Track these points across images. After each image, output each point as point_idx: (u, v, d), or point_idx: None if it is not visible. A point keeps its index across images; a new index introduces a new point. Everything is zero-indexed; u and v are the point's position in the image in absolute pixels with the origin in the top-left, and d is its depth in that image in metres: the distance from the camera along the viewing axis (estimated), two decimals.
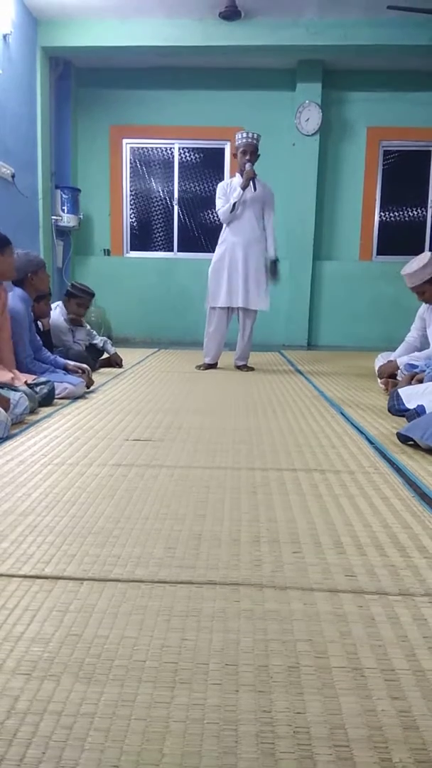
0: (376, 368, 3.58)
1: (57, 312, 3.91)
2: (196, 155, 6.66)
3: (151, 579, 1.14)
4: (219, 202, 4.11)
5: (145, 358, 4.85)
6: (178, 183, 6.70)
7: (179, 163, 6.67)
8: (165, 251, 6.85)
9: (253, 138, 3.96)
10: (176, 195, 6.72)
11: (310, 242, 6.46)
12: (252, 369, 4.33)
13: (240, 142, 3.99)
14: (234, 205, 3.98)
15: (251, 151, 3.96)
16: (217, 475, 1.80)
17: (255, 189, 3.94)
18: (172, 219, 6.78)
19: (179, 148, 6.64)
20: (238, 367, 4.36)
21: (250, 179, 3.93)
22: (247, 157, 3.96)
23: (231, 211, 4.00)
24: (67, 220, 6.17)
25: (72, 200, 6.21)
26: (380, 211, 6.67)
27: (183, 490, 1.67)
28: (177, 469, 1.86)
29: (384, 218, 6.70)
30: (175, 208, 6.74)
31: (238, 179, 4.06)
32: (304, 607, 1.05)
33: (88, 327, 4.23)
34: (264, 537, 1.34)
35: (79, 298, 3.94)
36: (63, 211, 6.14)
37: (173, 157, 6.67)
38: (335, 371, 4.35)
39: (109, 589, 1.10)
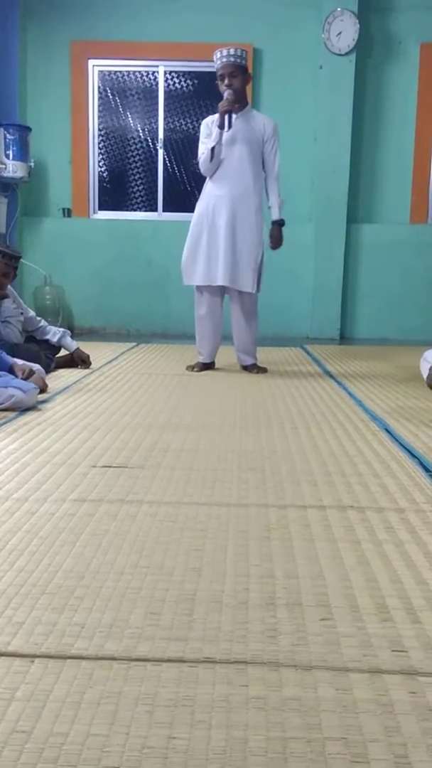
0: (424, 373, 3.59)
1: None
2: (189, 82, 6.69)
3: (128, 656, 1.13)
4: (201, 148, 4.14)
5: (119, 356, 4.86)
6: (164, 119, 6.73)
7: (165, 93, 6.70)
8: (146, 211, 6.87)
9: (232, 56, 3.98)
10: (161, 135, 6.75)
11: (344, 199, 6.49)
12: (264, 370, 4.34)
13: (216, 63, 4.03)
14: (213, 150, 4.01)
15: (230, 74, 3.98)
16: (217, 515, 1.80)
17: (229, 126, 3.97)
18: (156, 168, 6.80)
19: (166, 72, 6.67)
20: (246, 368, 4.37)
21: (224, 113, 3.97)
22: (226, 82, 3.99)
23: (210, 159, 4.03)
24: (13, 168, 6.19)
25: (19, 142, 6.24)
26: None
27: (171, 534, 1.66)
28: (162, 505, 1.86)
29: None
30: (160, 152, 6.77)
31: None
32: (335, 694, 1.04)
33: (23, 304, 4.18)
34: (281, 598, 1.34)
35: None
36: (7, 157, 6.17)
37: (157, 84, 6.71)
38: (378, 373, 4.35)
39: (70, 669, 1.10)
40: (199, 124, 4.22)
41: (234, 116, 4.01)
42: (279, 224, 4.18)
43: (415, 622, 1.26)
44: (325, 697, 1.03)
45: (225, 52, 3.98)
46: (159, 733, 0.94)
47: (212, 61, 4.04)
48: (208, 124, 4.13)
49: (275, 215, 4.17)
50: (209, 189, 4.18)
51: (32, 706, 1.00)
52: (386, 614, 1.29)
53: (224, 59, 3.98)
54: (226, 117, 3.97)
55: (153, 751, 0.91)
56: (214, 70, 4.08)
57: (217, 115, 4.09)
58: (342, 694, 1.04)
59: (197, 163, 4.19)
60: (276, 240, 4.21)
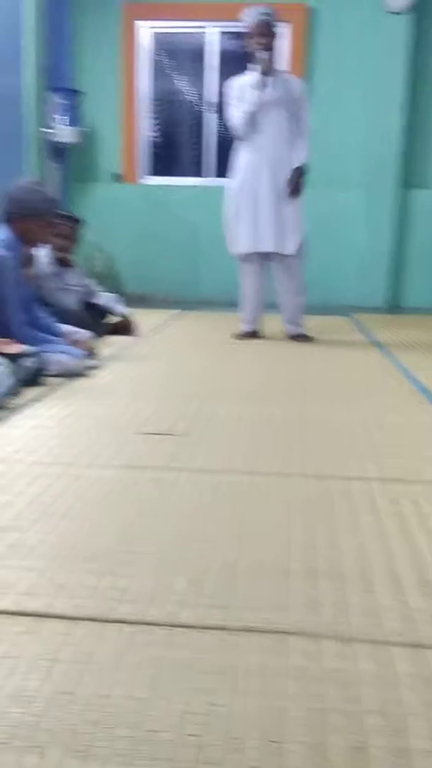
0: None
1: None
2: (242, 43, 6.55)
3: (170, 622, 1.15)
4: (233, 111, 4.04)
5: (165, 323, 4.86)
6: (217, 82, 6.62)
7: (218, 55, 6.58)
8: (196, 176, 6.81)
9: (270, 15, 3.89)
10: (213, 99, 6.65)
11: (394, 162, 6.31)
12: (311, 339, 4.30)
13: (250, 20, 3.92)
14: (252, 113, 3.93)
15: (262, 33, 3.89)
16: (260, 484, 1.80)
17: (266, 87, 3.89)
18: (207, 132, 6.71)
19: (218, 33, 6.55)
20: (293, 337, 4.33)
21: (265, 74, 3.88)
22: (264, 42, 3.89)
23: (249, 123, 3.96)
24: (65, 134, 6.17)
25: (71, 107, 6.21)
26: None
27: (214, 502, 1.67)
28: (206, 473, 1.86)
29: None
30: (211, 116, 6.67)
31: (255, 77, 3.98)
32: (376, 667, 1.04)
33: (86, 279, 4.24)
34: (323, 569, 1.34)
35: (58, 226, 3.88)
36: (59, 122, 6.14)
37: (209, 45, 6.59)
38: (428, 343, 4.27)
39: (112, 632, 1.11)
40: None
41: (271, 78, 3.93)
42: (299, 171, 4.04)
43: None
44: (365, 670, 1.03)
45: (261, 10, 3.90)
46: (199, 700, 0.95)
47: None
48: (238, 87, 4.04)
49: (296, 162, 4.03)
50: (246, 155, 4.10)
51: (76, 668, 1.02)
52: (428, 588, 1.27)
53: (262, 17, 3.89)
54: (266, 79, 3.88)
55: (193, 717, 0.92)
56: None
57: (247, 77, 4.00)
58: (383, 668, 1.04)
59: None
60: (293, 186, 4.04)
